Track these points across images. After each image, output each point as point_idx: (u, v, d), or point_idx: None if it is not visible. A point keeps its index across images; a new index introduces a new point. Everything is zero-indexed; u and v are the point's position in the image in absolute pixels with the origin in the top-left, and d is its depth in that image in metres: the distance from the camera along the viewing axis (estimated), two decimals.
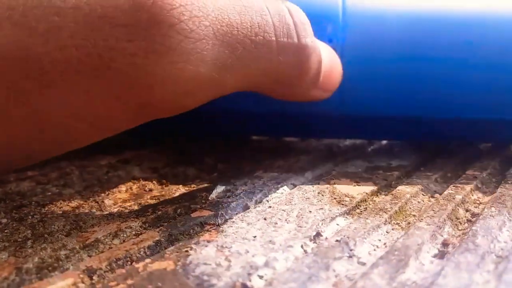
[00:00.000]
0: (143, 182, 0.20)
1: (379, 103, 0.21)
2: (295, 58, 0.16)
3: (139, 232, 0.15)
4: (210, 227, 0.15)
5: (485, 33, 0.20)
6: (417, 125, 0.22)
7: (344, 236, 0.15)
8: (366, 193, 0.18)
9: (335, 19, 0.20)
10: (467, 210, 0.17)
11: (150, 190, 0.19)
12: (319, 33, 0.19)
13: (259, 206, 0.17)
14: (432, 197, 0.18)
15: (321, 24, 0.20)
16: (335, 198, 0.18)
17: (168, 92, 0.14)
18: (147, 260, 0.13)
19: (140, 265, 0.13)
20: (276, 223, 0.16)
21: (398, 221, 0.16)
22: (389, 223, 0.16)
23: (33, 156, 0.16)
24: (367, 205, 0.17)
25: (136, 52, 0.13)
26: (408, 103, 0.21)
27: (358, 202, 0.18)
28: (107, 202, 0.18)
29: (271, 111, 0.22)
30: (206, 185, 0.20)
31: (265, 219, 0.16)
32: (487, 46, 0.20)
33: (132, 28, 0.13)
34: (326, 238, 0.15)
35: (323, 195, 0.18)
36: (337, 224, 0.16)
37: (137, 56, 0.13)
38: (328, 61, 0.18)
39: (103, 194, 0.18)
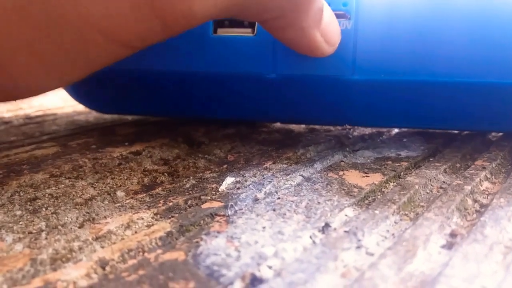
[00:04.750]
0: (155, 174, 0.20)
1: (392, 65, 0.21)
2: None
3: (150, 223, 0.15)
4: (220, 218, 0.16)
5: None
6: (429, 95, 0.22)
7: (353, 227, 0.15)
8: (375, 184, 0.19)
9: None
10: (475, 201, 0.17)
11: (161, 182, 0.19)
12: None
13: (268, 198, 0.17)
14: (441, 187, 0.18)
15: None
16: (343, 189, 0.18)
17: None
18: (159, 251, 0.13)
19: (151, 256, 0.13)
20: (285, 214, 0.16)
21: (406, 212, 0.16)
22: (398, 213, 0.16)
23: (53, 73, 0.17)
24: (375, 196, 0.18)
25: None
26: (422, 65, 0.21)
27: (367, 193, 0.18)
28: (119, 194, 0.18)
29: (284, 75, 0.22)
30: (216, 176, 0.20)
31: (274, 210, 0.16)
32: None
33: None
34: (335, 229, 0.15)
35: (331, 186, 0.18)
36: (346, 215, 0.16)
37: None
38: (328, 10, 0.19)
39: (115, 186, 0.19)
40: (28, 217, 0.16)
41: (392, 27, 0.21)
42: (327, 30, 0.19)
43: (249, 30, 0.22)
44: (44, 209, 0.16)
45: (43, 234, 0.14)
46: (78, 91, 0.28)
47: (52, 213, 0.16)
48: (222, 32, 0.22)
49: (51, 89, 0.18)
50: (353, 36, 0.21)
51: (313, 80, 0.22)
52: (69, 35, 0.15)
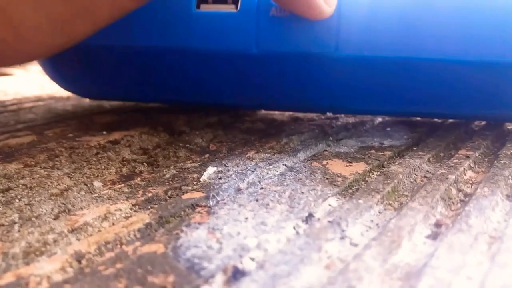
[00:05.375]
0: (133, 164, 0.20)
1: (376, 42, 0.21)
2: None
3: (129, 215, 0.15)
4: (201, 209, 0.15)
5: None
6: (414, 74, 0.21)
7: (336, 217, 0.14)
8: (359, 173, 0.18)
9: None
10: (460, 190, 0.17)
11: (141, 171, 0.19)
12: None
13: (251, 188, 0.17)
14: (425, 177, 0.18)
15: None
16: (327, 179, 0.18)
17: None
18: (137, 243, 0.13)
19: (129, 249, 0.13)
20: (268, 204, 0.15)
21: (390, 202, 0.16)
22: (382, 203, 0.16)
23: (59, 27, 0.17)
24: (359, 185, 0.17)
25: None
26: (407, 42, 0.20)
27: (351, 183, 0.17)
28: (97, 184, 0.17)
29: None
30: (197, 166, 0.19)
31: (257, 200, 0.16)
32: None
33: None
34: (318, 219, 0.14)
35: (315, 176, 0.18)
36: (329, 205, 0.16)
37: None
38: None
39: (92, 176, 0.18)
40: (0, 208, 0.15)
41: (377, 3, 0.20)
42: None
43: (233, 6, 0.22)
44: (17, 200, 0.16)
45: (16, 227, 0.14)
46: (56, 71, 0.27)
47: (25, 204, 0.15)
48: (205, 8, 0.22)
49: (59, 48, 0.19)
50: (336, 11, 0.20)
51: (295, 57, 0.22)
52: None
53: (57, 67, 0.27)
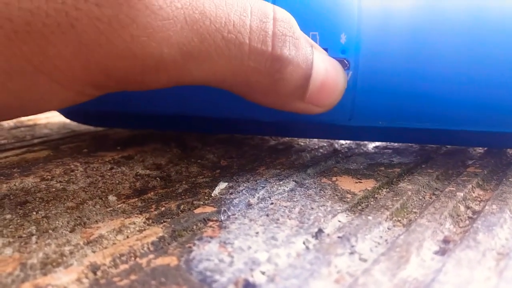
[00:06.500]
0: (147, 179, 0.20)
1: (389, 115, 0.20)
2: (267, 67, 0.16)
3: (142, 228, 0.15)
4: (213, 223, 0.16)
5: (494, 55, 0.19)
6: (422, 135, 0.22)
7: (346, 232, 0.15)
8: (368, 190, 0.19)
9: (350, 29, 0.19)
10: (468, 207, 0.17)
11: (154, 186, 0.19)
12: (332, 44, 0.19)
13: (261, 203, 0.17)
14: (433, 194, 0.18)
15: (334, 34, 0.19)
16: (337, 195, 0.18)
17: (127, 65, 0.14)
18: (151, 256, 0.13)
19: (143, 261, 0.13)
20: (278, 220, 0.16)
21: (399, 218, 0.16)
22: (391, 219, 0.16)
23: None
24: (368, 202, 0.18)
25: (100, 17, 0.13)
26: (419, 115, 0.20)
27: (360, 199, 0.18)
28: (111, 198, 0.18)
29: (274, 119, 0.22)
30: (209, 181, 0.20)
31: (267, 215, 0.16)
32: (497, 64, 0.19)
33: None
34: (328, 235, 0.15)
35: (325, 192, 0.18)
36: (339, 221, 0.16)
37: (101, 21, 0.13)
38: (323, 76, 0.17)
39: (107, 190, 0.19)
40: (18, 221, 0.16)
41: (395, 75, 0.19)
42: (316, 95, 0.18)
43: None
44: (34, 213, 0.16)
45: (33, 238, 0.14)
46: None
47: (42, 217, 0.16)
48: None
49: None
50: (352, 84, 0.19)
51: (307, 124, 0.22)
52: (17, 79, 0.14)
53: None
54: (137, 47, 0.14)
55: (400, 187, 0.19)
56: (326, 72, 0.18)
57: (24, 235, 0.15)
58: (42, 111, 0.16)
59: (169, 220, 0.16)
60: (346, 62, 0.19)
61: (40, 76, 0.14)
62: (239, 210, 0.17)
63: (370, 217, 0.16)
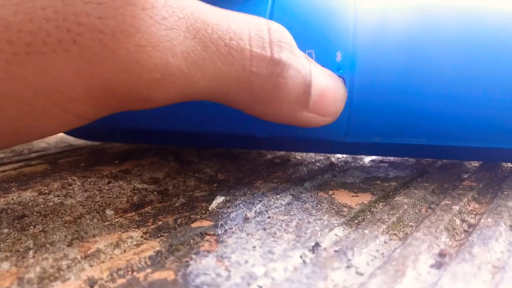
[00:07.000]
0: (144, 193, 0.20)
1: (385, 132, 0.20)
2: (268, 71, 0.16)
3: (140, 242, 0.15)
4: (210, 237, 0.16)
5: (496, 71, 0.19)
6: (418, 150, 0.22)
7: (343, 246, 0.15)
8: (364, 204, 0.19)
9: (345, 47, 0.19)
10: (463, 221, 0.17)
11: (151, 200, 0.19)
12: (328, 61, 0.19)
13: (258, 217, 0.17)
14: (429, 207, 0.19)
15: (330, 52, 0.19)
16: (333, 209, 0.18)
17: (132, 77, 0.14)
18: (148, 270, 0.13)
19: (141, 275, 0.13)
20: (275, 234, 0.16)
21: (395, 232, 0.16)
22: (387, 233, 0.16)
23: None
24: (365, 215, 0.18)
25: (103, 30, 0.13)
26: (415, 132, 0.20)
27: (356, 213, 0.18)
28: (108, 212, 0.18)
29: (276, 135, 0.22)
30: (206, 195, 0.20)
31: (264, 229, 0.16)
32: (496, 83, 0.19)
33: (104, 6, 0.13)
34: (325, 249, 0.15)
35: (321, 206, 0.18)
36: (336, 235, 0.16)
37: (104, 33, 0.13)
38: (323, 84, 0.18)
39: (104, 205, 0.19)
40: (16, 235, 0.16)
41: (390, 92, 0.19)
42: (319, 104, 0.18)
43: None
44: (32, 227, 0.16)
45: (31, 253, 0.14)
46: None
47: (40, 231, 0.16)
48: None
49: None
50: (347, 101, 0.19)
51: (302, 140, 0.22)
52: (12, 106, 0.14)
53: None
54: (142, 57, 0.14)
55: (396, 200, 0.19)
56: (326, 81, 0.18)
57: (22, 249, 0.15)
58: (36, 138, 0.16)
59: (166, 234, 0.16)
60: (342, 80, 0.19)
61: (39, 100, 0.14)
62: (236, 224, 0.17)
63: (366, 231, 0.16)
